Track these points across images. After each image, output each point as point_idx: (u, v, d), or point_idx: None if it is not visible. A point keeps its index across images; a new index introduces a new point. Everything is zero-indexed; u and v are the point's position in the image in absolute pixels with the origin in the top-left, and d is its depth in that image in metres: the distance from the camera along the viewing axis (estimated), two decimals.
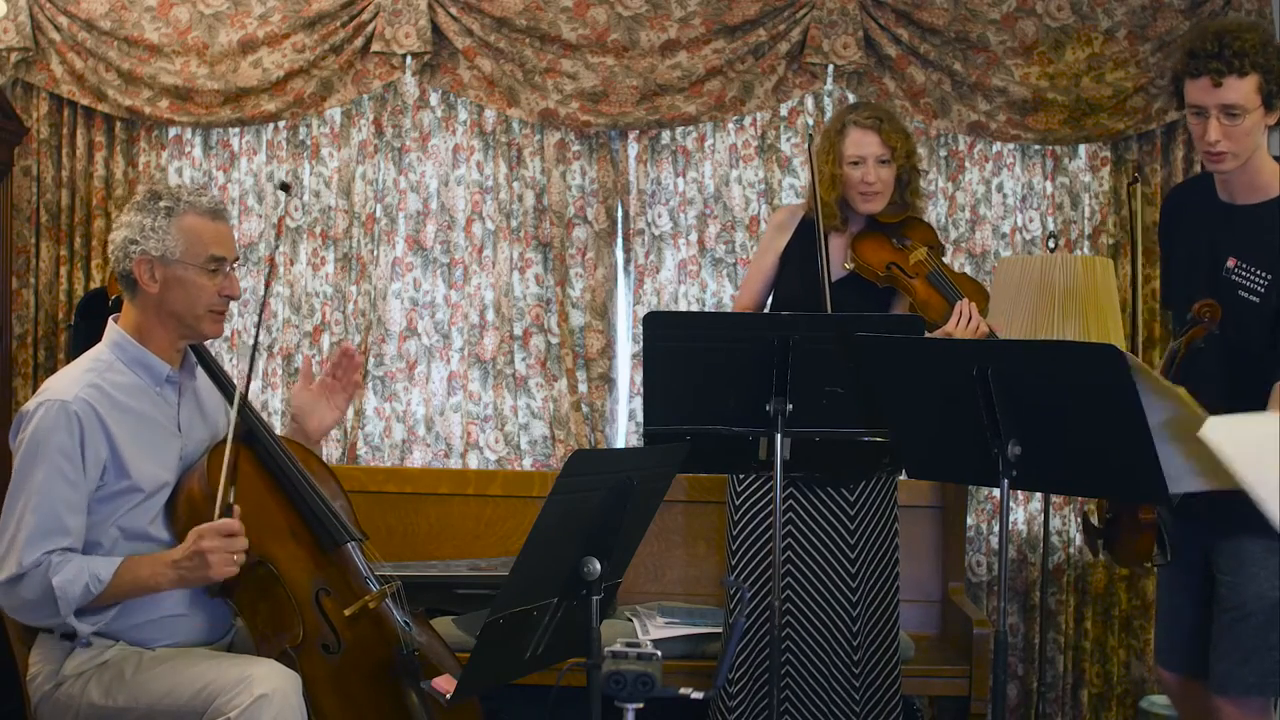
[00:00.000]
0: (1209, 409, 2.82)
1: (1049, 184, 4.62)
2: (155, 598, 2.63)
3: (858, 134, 3.43)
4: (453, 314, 4.61)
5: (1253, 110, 2.75)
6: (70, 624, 2.57)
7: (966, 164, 4.60)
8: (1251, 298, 2.82)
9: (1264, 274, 2.81)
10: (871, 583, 3.35)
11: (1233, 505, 2.82)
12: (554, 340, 4.57)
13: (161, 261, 2.67)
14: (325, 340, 4.59)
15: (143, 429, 2.67)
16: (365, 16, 4.50)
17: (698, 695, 2.30)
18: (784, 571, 3.28)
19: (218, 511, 2.55)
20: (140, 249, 2.66)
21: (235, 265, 2.76)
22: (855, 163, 3.42)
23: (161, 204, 2.69)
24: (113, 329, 2.74)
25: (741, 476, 3.39)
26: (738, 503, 3.39)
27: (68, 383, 2.64)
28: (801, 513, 3.33)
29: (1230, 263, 2.86)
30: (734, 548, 3.40)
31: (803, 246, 3.47)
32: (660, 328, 2.89)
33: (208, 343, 2.88)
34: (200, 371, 2.86)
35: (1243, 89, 2.73)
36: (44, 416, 2.58)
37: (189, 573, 2.54)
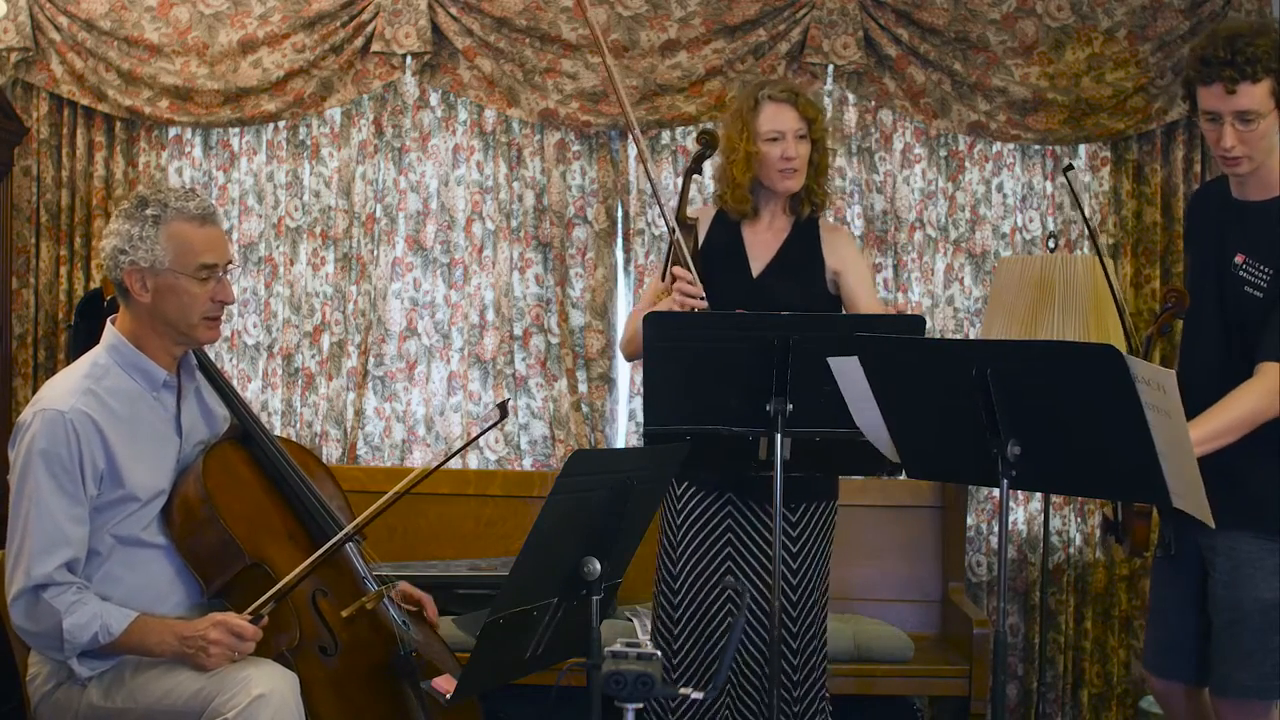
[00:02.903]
0: (1208, 403, 2.84)
1: (1049, 184, 4.62)
2: (155, 600, 2.62)
3: (773, 108, 3.28)
4: (453, 314, 4.61)
5: (1267, 114, 2.75)
6: (71, 665, 2.56)
7: (966, 164, 4.60)
8: (1255, 293, 2.82)
9: (1267, 269, 2.81)
10: (804, 599, 3.30)
11: (1227, 504, 2.84)
12: (554, 340, 4.57)
13: (151, 271, 2.62)
14: (325, 340, 4.59)
15: (139, 436, 2.64)
16: (365, 16, 4.50)
17: (697, 695, 2.30)
18: (722, 585, 3.25)
19: (250, 611, 2.55)
20: (129, 259, 2.61)
21: (229, 268, 2.71)
22: (773, 139, 3.27)
23: (148, 212, 2.63)
24: (110, 332, 2.71)
25: (680, 493, 3.30)
26: (678, 521, 3.30)
27: (64, 391, 2.60)
28: (740, 532, 3.28)
29: (1238, 259, 2.85)
30: (676, 566, 3.29)
31: (719, 245, 3.35)
32: (660, 328, 2.87)
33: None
34: (199, 374, 2.84)
35: (1256, 94, 2.73)
36: (40, 428, 2.55)
37: (189, 652, 2.53)
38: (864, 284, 3.39)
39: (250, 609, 2.55)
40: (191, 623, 2.56)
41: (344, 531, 2.69)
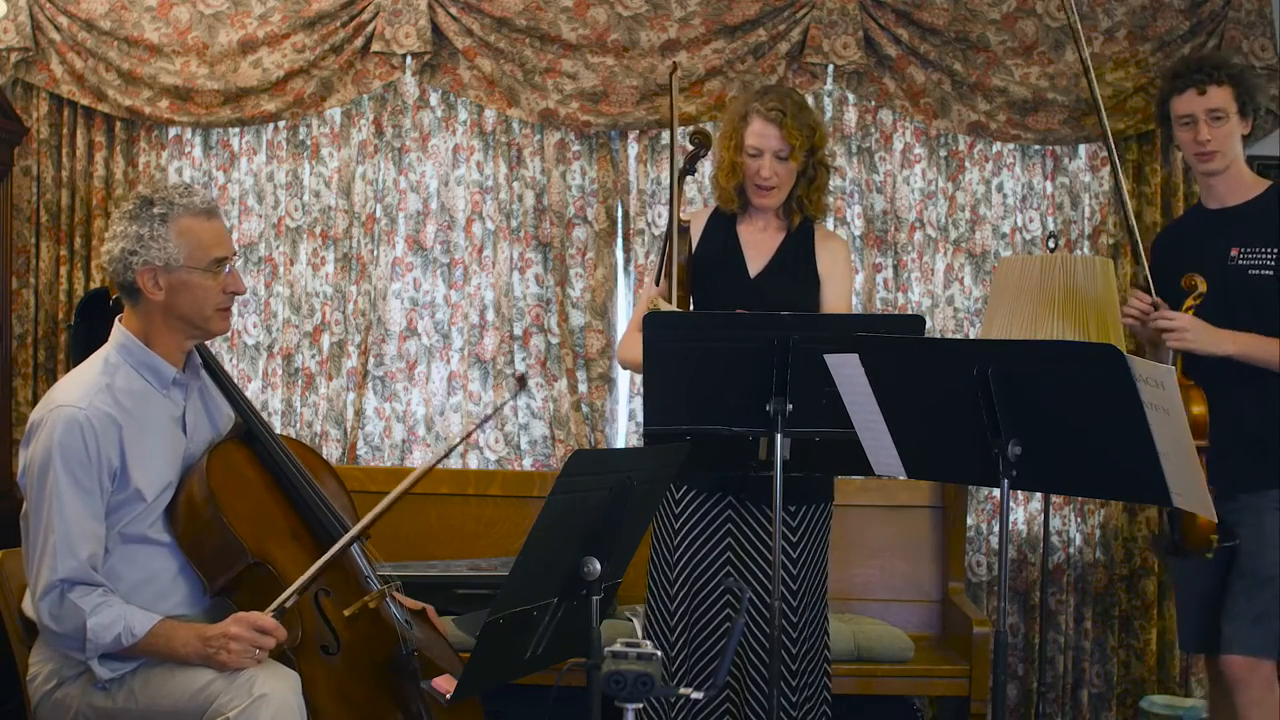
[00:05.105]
0: (1224, 390, 3.12)
1: (1049, 184, 4.62)
2: (158, 597, 2.63)
3: (759, 124, 3.27)
4: (453, 314, 4.61)
5: (1232, 115, 3.25)
6: (91, 667, 2.56)
7: (966, 164, 4.60)
8: (1264, 273, 3.18)
9: (1271, 250, 3.18)
10: (804, 600, 3.30)
11: (1255, 469, 3.15)
12: (554, 340, 4.57)
13: (165, 269, 2.64)
14: (325, 340, 4.59)
15: (148, 435, 2.65)
16: (365, 16, 4.50)
17: (697, 695, 2.30)
18: (722, 588, 3.25)
19: (272, 608, 2.55)
20: (142, 259, 2.63)
21: (235, 260, 2.74)
22: (753, 154, 3.28)
23: (155, 210, 2.65)
24: (119, 330, 2.72)
25: (678, 496, 3.29)
26: (676, 525, 3.29)
27: (81, 391, 2.61)
28: (739, 534, 3.28)
29: (1234, 252, 3.22)
30: (674, 570, 3.28)
31: (715, 245, 3.37)
32: (660, 328, 2.87)
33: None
34: (204, 372, 2.85)
35: (1223, 95, 3.24)
36: (58, 427, 2.56)
37: (212, 652, 2.53)
38: (840, 299, 3.40)
39: (272, 606, 2.55)
40: (215, 625, 2.56)
41: (367, 518, 2.67)
